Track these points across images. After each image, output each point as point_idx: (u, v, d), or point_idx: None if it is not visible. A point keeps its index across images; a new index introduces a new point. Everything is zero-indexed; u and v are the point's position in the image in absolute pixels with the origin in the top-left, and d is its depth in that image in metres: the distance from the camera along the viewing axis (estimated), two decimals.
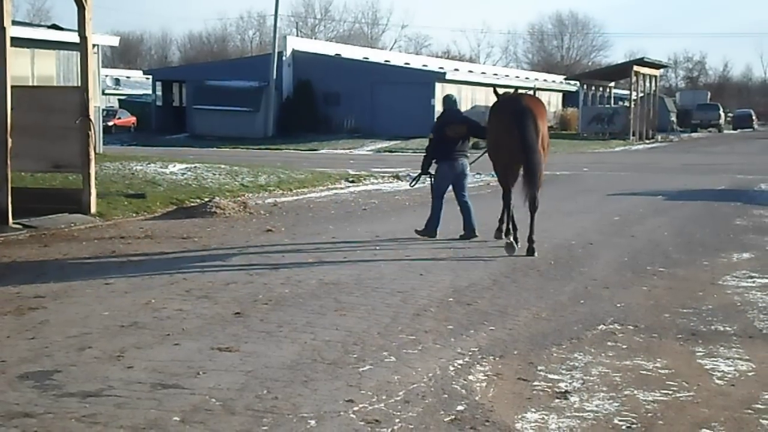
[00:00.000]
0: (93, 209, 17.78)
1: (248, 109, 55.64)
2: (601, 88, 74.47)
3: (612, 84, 75.88)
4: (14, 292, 10.88)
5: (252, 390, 7.22)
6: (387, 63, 66.11)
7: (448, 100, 15.99)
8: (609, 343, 9.01)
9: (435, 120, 15.54)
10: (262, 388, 7.26)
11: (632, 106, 62.60)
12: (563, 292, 11.45)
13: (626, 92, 72.27)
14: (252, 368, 7.80)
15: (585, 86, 70.34)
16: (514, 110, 14.13)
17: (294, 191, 24.24)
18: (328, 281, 11.77)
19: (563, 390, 7.50)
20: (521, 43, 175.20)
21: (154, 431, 6.32)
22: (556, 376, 7.88)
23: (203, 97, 56.96)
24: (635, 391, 7.50)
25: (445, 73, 61.60)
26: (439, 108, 57.97)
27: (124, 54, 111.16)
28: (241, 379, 7.49)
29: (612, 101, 75.05)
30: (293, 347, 8.54)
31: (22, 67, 27.80)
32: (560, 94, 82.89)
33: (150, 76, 67.24)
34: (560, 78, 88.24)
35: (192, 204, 20.07)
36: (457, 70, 71.11)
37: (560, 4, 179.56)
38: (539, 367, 8.13)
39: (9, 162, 16.18)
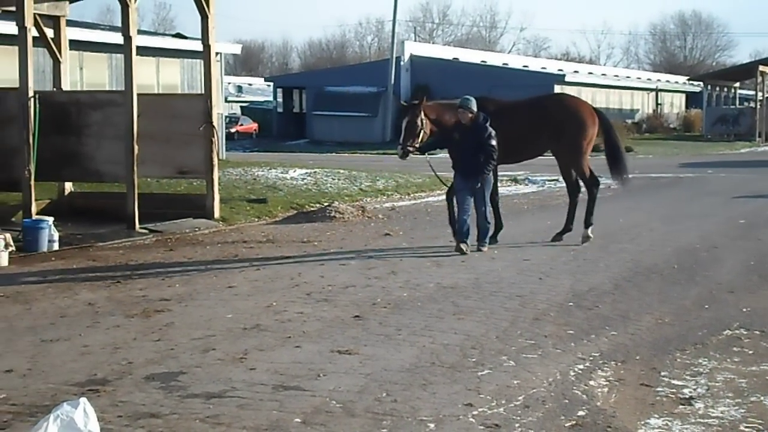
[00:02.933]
0: (216, 214, 18.14)
1: (366, 114, 56.01)
2: (725, 89, 72.77)
3: (737, 84, 74.06)
4: (141, 294, 11.17)
5: (371, 393, 7.27)
6: (505, 66, 65.77)
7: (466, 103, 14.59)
8: (735, 349, 8.80)
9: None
10: (382, 391, 7.30)
11: (758, 106, 60.97)
12: (687, 296, 11.21)
13: (752, 93, 70.35)
14: (371, 371, 7.85)
15: (709, 87, 68.83)
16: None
17: (411, 195, 24.30)
18: (446, 285, 11.77)
19: (687, 396, 7.35)
20: (643, 44, 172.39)
21: None
22: (680, 382, 7.72)
23: (322, 103, 57.58)
24: (762, 398, 7.30)
25: (564, 75, 61.00)
26: None
27: (246, 62, 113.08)
28: (361, 382, 7.54)
29: (737, 102, 73.24)
30: (412, 350, 8.56)
31: (148, 76, 28.53)
32: (683, 95, 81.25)
33: (271, 83, 68.28)
34: (683, 79, 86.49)
35: (312, 208, 20.30)
36: (576, 71, 70.32)
37: (683, 3, 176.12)
38: (662, 373, 7.98)
39: (136, 168, 16.61)
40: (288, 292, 11.32)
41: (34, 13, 16.12)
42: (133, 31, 16.67)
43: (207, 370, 7.84)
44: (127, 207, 16.65)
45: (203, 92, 18.64)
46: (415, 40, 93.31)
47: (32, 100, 15.72)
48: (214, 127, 17.89)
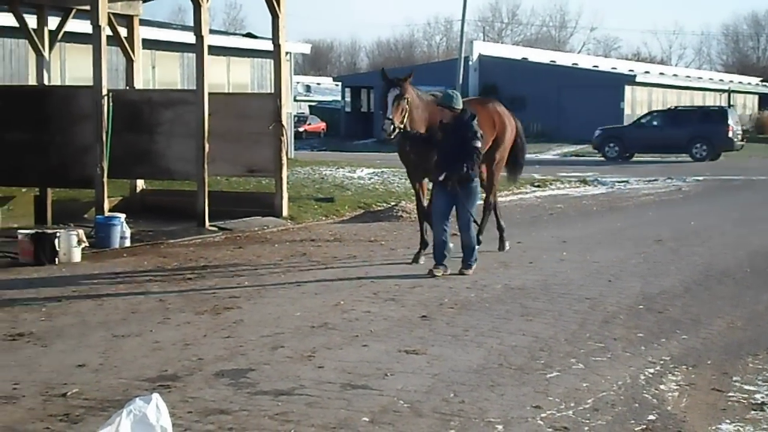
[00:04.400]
0: (285, 212, 18.25)
1: None
2: None
3: None
4: (210, 292, 11.28)
5: (439, 393, 7.26)
6: (575, 66, 65.26)
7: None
8: None
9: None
10: (449, 392, 7.29)
11: None
12: (760, 300, 11.04)
13: None
14: (439, 371, 7.84)
15: None
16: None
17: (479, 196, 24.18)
18: (514, 286, 11.72)
19: (760, 401, 7.23)
20: (715, 44, 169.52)
21: (344, 431, 6.42)
22: (752, 387, 7.60)
23: None
24: None
25: (634, 76, 60.36)
26: (629, 111, 56.89)
27: (315, 61, 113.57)
28: (428, 382, 7.53)
29: None
30: (479, 351, 8.53)
31: (219, 75, 28.79)
32: (756, 97, 79.89)
33: (339, 83, 68.50)
34: (756, 80, 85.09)
35: (379, 208, 20.33)
36: (647, 72, 69.52)
37: (756, 4, 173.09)
38: (734, 378, 7.86)
39: (206, 166, 16.78)
40: (355, 291, 11.35)
41: (108, 13, 16.34)
42: (205, 31, 16.85)
43: (276, 368, 7.89)
44: (197, 205, 16.82)
45: (273, 91, 18.79)
46: (484, 40, 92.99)
47: (106, 98, 15.95)
48: (283, 126, 18.01)
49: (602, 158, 41.16)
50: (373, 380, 7.55)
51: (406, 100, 12.72)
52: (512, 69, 58.44)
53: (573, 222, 18.76)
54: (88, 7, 15.92)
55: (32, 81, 20.97)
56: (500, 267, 13.16)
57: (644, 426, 6.64)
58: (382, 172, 27.58)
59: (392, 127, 12.51)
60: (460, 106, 12.52)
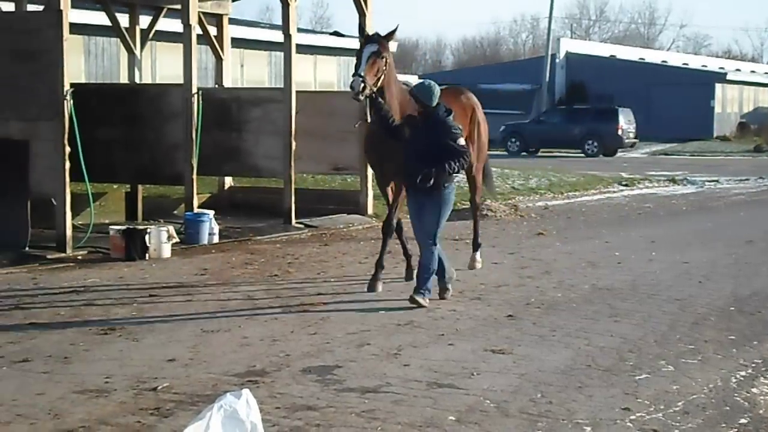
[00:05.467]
0: (370, 210, 18.30)
1: (520, 111, 55.57)
2: None
3: None
4: (297, 288, 11.36)
5: (526, 393, 7.21)
6: (664, 63, 64.34)
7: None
8: None
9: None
10: (536, 392, 7.24)
11: None
12: None
13: None
14: (525, 371, 7.79)
15: None
16: None
17: (565, 194, 24.01)
18: (602, 286, 11.59)
19: None
20: None
21: (431, 429, 6.42)
22: None
23: None
24: None
25: (725, 74, 59.30)
26: (719, 110, 55.81)
27: (400, 59, 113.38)
28: (515, 382, 7.49)
29: None
30: (567, 352, 8.46)
31: (306, 73, 28.99)
32: None
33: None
34: None
35: (464, 206, 20.23)
36: (738, 70, 68.22)
37: None
38: None
39: (293, 164, 16.90)
40: None
41: (199, 12, 16.55)
42: (293, 29, 16.97)
43: (362, 365, 7.92)
44: (283, 202, 16.96)
45: None
46: (571, 37, 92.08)
47: (195, 96, 16.15)
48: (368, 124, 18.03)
49: (505, 152, 42.52)
50: (459, 379, 7.54)
51: (384, 60, 10.69)
52: (600, 67, 57.81)
53: (662, 222, 18.50)
54: (179, 6, 16.14)
55: (124, 79, 21.34)
56: (588, 267, 13.02)
57: (735, 429, 6.53)
58: None
59: (363, 85, 10.29)
60: (435, 103, 10.30)
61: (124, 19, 18.92)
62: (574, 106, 49.14)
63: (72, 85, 13.48)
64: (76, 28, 14.74)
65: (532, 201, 22.22)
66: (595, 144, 42.36)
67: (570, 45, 62.24)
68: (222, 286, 11.54)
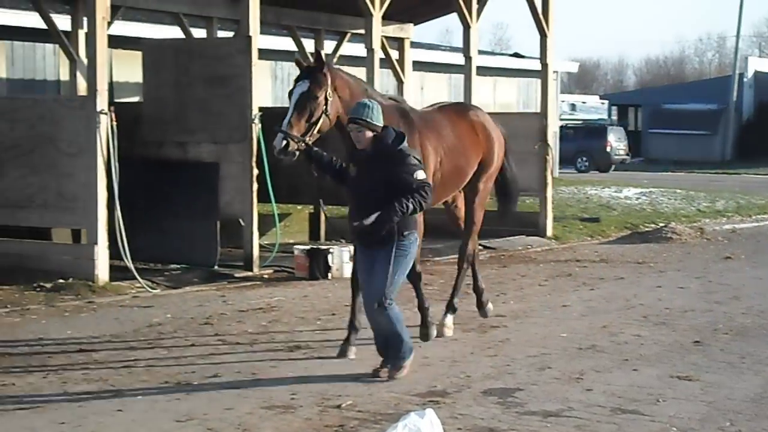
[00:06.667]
0: (549, 232, 18.18)
1: (706, 132, 54.11)
2: None
3: None
4: (476, 310, 11.34)
5: (714, 421, 7.01)
6: None
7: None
8: None
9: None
10: (725, 420, 7.02)
11: None
12: None
13: None
14: (713, 399, 7.57)
15: None
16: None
17: (753, 217, 23.22)
18: None
19: None
20: None
21: None
22: None
23: (659, 121, 56.18)
24: None
25: None
26: None
27: (580, 79, 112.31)
28: (703, 410, 7.29)
29: None
30: (757, 380, 8.18)
31: (485, 94, 29.00)
32: None
33: (606, 101, 67.51)
34: None
35: (646, 229, 19.87)
36: None
37: None
38: None
39: None
40: (623, 314, 11.14)
41: (381, 36, 16.83)
42: (473, 52, 17.08)
43: (543, 388, 7.86)
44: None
45: (539, 110, 18.77)
46: (760, 56, 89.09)
47: None
48: (549, 145, 17.95)
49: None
50: (644, 405, 7.38)
51: (317, 100, 8.50)
52: None
53: None
54: (362, 31, 16.46)
55: None
56: None
57: None
58: (650, 192, 26.95)
59: (285, 142, 8.33)
60: (380, 124, 8.09)
61: (309, 45, 19.42)
62: (567, 126, 48.75)
63: (260, 108, 13.90)
64: (264, 54, 15.18)
65: (718, 224, 21.56)
66: (586, 160, 45.84)
67: (759, 64, 60.12)
68: (401, 305, 11.58)
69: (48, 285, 12.08)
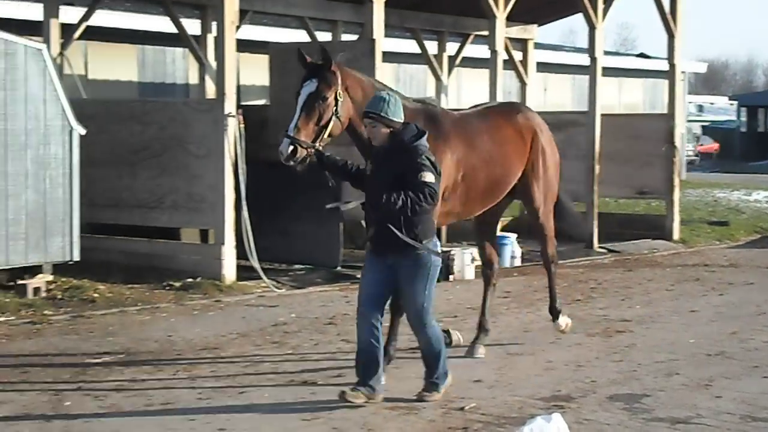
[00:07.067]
0: (676, 236, 17.87)
1: None
2: None
3: None
4: (601, 314, 11.23)
5: None
6: None
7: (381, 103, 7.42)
8: None
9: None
10: None
11: None
12: None
13: None
14: None
15: None
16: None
17: None
18: None
19: None
20: None
21: None
22: None
23: None
24: None
25: None
26: None
27: (708, 80, 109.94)
28: None
29: None
30: None
31: (610, 96, 28.64)
32: None
33: (735, 102, 65.93)
34: None
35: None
36: None
37: None
38: None
39: (596, 188, 16.76)
40: (753, 320, 10.88)
41: (505, 37, 16.76)
42: (598, 53, 16.89)
43: (671, 395, 7.72)
44: (586, 226, 16.83)
45: (666, 112, 18.47)
46: None
47: None
48: (676, 147, 17.65)
49: None
50: None
51: (327, 101, 7.83)
52: None
53: None
54: (486, 32, 16.42)
55: None
56: None
57: None
58: None
59: (292, 148, 7.66)
60: (398, 120, 7.37)
61: (431, 47, 19.47)
62: None
63: None
64: (388, 56, 15.27)
65: None
66: None
67: None
68: (524, 309, 11.59)
69: (177, 284, 12.39)
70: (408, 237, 7.14)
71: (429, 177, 7.15)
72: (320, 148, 7.69)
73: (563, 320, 9.62)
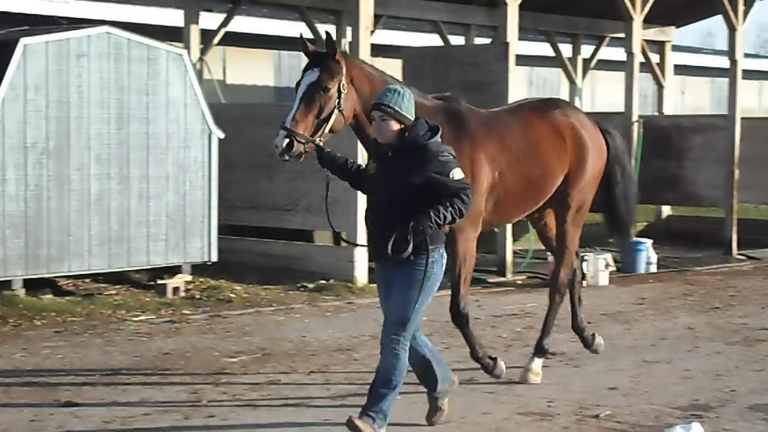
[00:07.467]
0: None
1: None
2: None
3: None
4: (740, 322, 10.95)
5: None
6: None
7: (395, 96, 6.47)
8: None
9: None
10: None
11: None
12: None
13: None
14: None
15: None
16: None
17: None
18: None
19: None
20: None
21: None
22: None
23: None
24: None
25: None
26: None
27: None
28: None
29: None
30: None
31: (749, 99, 27.89)
32: None
33: None
34: None
35: None
36: None
37: None
38: None
39: (735, 193, 16.38)
40: None
41: (641, 39, 16.50)
42: (739, 55, 16.52)
43: None
44: (724, 232, 16.49)
45: None
46: None
47: (636, 124, 16.12)
48: None
49: None
50: None
51: (329, 92, 7.01)
52: None
53: None
54: (622, 35, 16.19)
55: None
56: None
57: None
58: None
59: (286, 141, 6.90)
60: (410, 116, 6.43)
61: (566, 50, 19.28)
62: None
63: None
64: (521, 60, 15.18)
65: None
66: None
67: None
68: (660, 316, 11.38)
69: (311, 285, 12.57)
70: (415, 242, 6.19)
71: (459, 173, 6.28)
72: (320, 143, 6.96)
73: (537, 365, 8.27)
